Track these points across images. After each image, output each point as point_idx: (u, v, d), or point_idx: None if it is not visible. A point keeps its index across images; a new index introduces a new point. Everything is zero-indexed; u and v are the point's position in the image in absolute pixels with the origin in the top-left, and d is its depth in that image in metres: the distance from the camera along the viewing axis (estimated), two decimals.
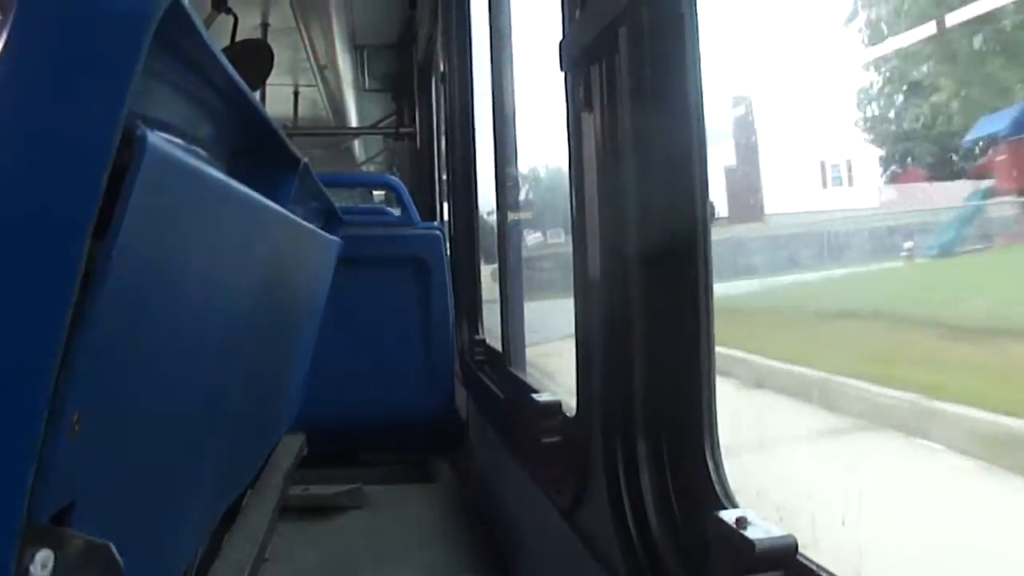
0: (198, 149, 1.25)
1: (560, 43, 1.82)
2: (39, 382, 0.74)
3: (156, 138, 0.81)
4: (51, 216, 0.73)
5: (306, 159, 1.81)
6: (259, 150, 1.56)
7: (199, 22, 0.91)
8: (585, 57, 1.69)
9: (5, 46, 0.74)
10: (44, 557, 0.80)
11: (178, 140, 1.06)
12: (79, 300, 0.75)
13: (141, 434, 1.08)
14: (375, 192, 9.96)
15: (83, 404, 0.79)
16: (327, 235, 2.59)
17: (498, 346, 3.52)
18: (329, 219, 2.76)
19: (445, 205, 5.62)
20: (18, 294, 0.73)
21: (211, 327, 1.34)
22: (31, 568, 0.78)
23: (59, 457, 0.77)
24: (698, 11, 1.48)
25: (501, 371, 3.36)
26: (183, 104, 1.15)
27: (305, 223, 2.03)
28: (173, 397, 1.21)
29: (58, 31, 0.75)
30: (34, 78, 0.74)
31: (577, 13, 1.74)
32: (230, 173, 1.18)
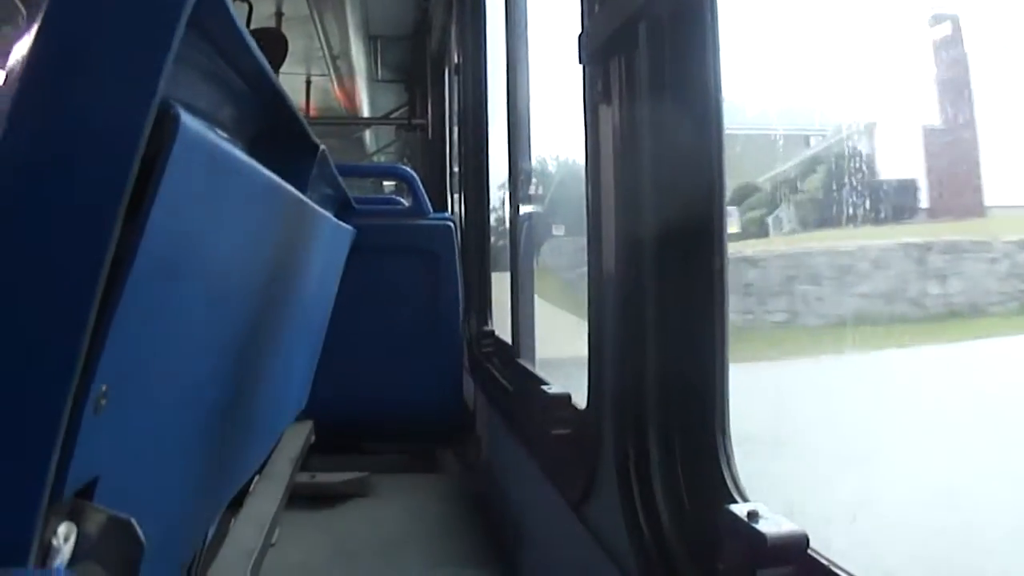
0: (221, 131, 1.26)
1: (579, 37, 1.82)
2: (69, 358, 0.74)
3: (190, 120, 0.82)
4: (86, 195, 0.74)
5: (324, 146, 1.82)
6: (279, 135, 1.56)
7: (232, 8, 0.92)
8: (604, 51, 1.69)
9: (42, 29, 0.75)
10: (67, 530, 0.80)
11: (203, 123, 1.07)
12: (110, 278, 0.76)
13: (161, 413, 1.08)
14: (386, 183, 9.96)
15: (110, 381, 0.80)
16: (342, 224, 2.59)
17: (507, 337, 3.53)
18: (343, 208, 2.77)
19: (456, 196, 5.62)
20: (51, 272, 0.74)
21: (229, 310, 1.35)
22: (54, 541, 0.79)
23: (85, 433, 0.78)
24: (718, 4, 1.49)
25: (510, 362, 3.36)
26: (209, 87, 1.15)
27: (322, 210, 2.04)
28: (191, 377, 1.22)
29: (95, 14, 0.75)
30: (70, 61, 0.75)
31: (596, 7, 1.74)
32: (250, 156, 1.19)
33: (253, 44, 1.09)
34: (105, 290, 0.76)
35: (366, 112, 8.18)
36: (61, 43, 0.76)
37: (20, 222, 0.75)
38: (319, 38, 6.49)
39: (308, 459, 3.46)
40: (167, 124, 0.78)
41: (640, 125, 1.58)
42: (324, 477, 3.66)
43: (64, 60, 0.75)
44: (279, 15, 6.35)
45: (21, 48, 0.76)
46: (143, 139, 0.75)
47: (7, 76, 0.79)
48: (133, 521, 0.85)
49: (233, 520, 2.43)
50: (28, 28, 0.77)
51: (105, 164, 0.74)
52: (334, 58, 6.93)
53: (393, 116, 7.82)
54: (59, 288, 0.74)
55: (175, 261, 0.94)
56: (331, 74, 7.52)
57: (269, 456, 2.89)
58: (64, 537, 0.80)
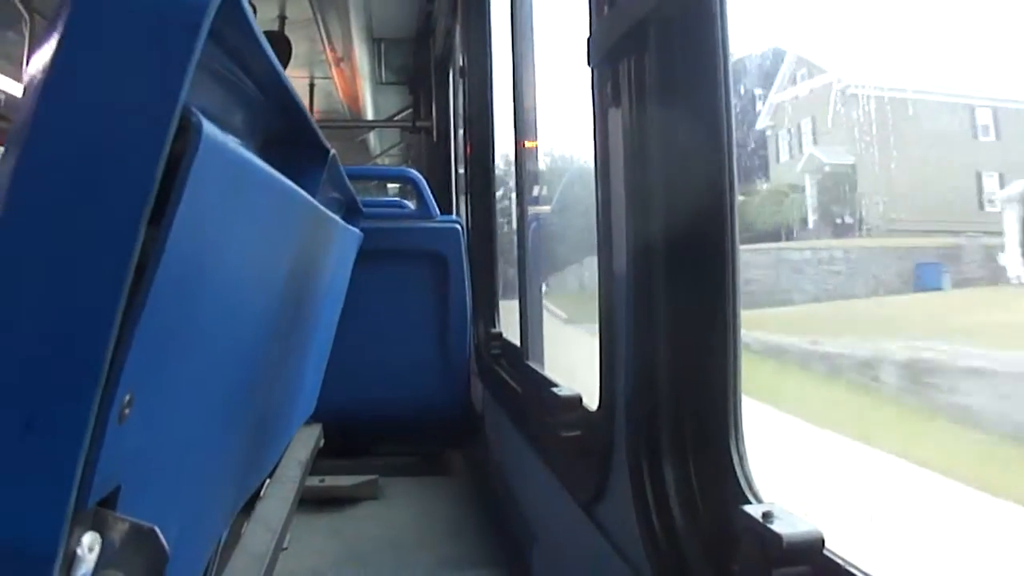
0: (233, 136, 1.26)
1: (588, 39, 1.83)
2: (94, 367, 0.75)
3: (211, 128, 0.82)
4: (109, 203, 0.75)
5: (333, 150, 1.82)
6: (290, 139, 1.57)
7: (251, 14, 0.92)
8: (613, 54, 1.69)
9: (64, 37, 0.75)
10: (91, 540, 0.81)
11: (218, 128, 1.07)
12: (134, 285, 0.77)
13: (181, 420, 1.09)
14: (390, 185, 9.99)
15: (134, 389, 0.80)
16: (351, 227, 2.60)
17: (515, 340, 3.53)
18: (350, 211, 2.77)
19: (461, 199, 5.64)
20: (76, 279, 0.75)
21: (245, 315, 1.36)
22: (78, 551, 0.79)
23: (109, 441, 0.78)
24: (727, 8, 1.49)
25: (518, 365, 3.36)
26: (221, 91, 1.16)
27: (331, 214, 2.05)
28: (211, 383, 1.22)
29: (116, 22, 0.76)
30: (93, 69, 0.75)
31: (605, 9, 1.74)
32: (263, 160, 1.19)
33: (268, 49, 1.09)
34: (129, 297, 0.76)
35: (370, 115, 8.19)
36: (82, 51, 0.76)
37: (44, 231, 0.75)
38: (322, 41, 6.51)
39: (317, 463, 3.47)
40: (189, 132, 0.79)
41: (650, 127, 1.59)
42: (333, 480, 3.67)
43: (85, 68, 0.76)
44: (282, 18, 6.37)
45: (42, 56, 0.77)
46: (166, 147, 0.75)
47: (27, 84, 0.79)
48: (157, 529, 0.86)
49: (245, 524, 2.43)
50: (48, 36, 0.77)
51: (128, 172, 0.75)
52: (338, 61, 6.94)
53: (397, 118, 7.83)
54: (83, 296, 0.75)
55: (197, 268, 0.94)
56: (334, 77, 7.53)
57: (279, 460, 2.89)
58: (88, 547, 0.80)
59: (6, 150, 0.77)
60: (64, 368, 0.75)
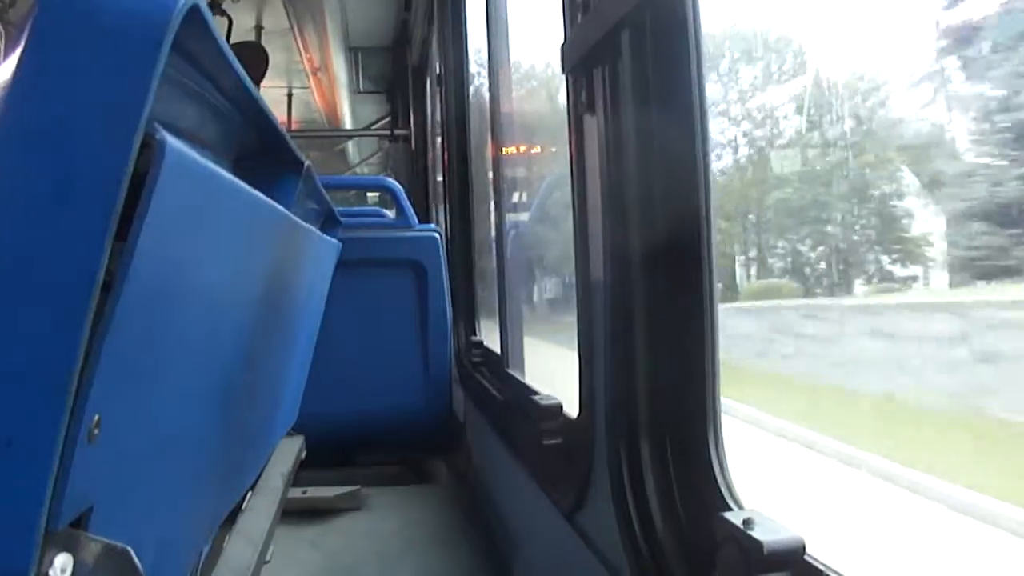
0: (205, 150, 1.26)
1: (562, 46, 1.83)
2: (61, 387, 0.74)
3: (175, 143, 0.81)
4: (74, 220, 0.74)
5: (309, 161, 1.82)
6: (264, 152, 1.56)
7: (215, 27, 0.92)
8: (588, 60, 1.69)
9: (26, 53, 0.74)
10: (63, 561, 0.80)
11: (187, 143, 1.07)
12: (100, 305, 0.76)
13: (154, 438, 1.08)
14: (369, 194, 9.96)
15: (103, 409, 0.80)
16: (328, 238, 2.59)
17: (495, 347, 3.53)
18: (328, 221, 2.77)
19: (440, 207, 5.63)
20: (41, 298, 0.74)
21: (219, 330, 1.35)
22: (50, 573, 0.78)
23: (79, 462, 0.77)
24: (700, 14, 1.49)
25: (499, 372, 3.36)
26: (192, 106, 1.15)
27: (308, 226, 2.04)
28: (183, 400, 1.22)
29: (80, 37, 0.75)
30: (56, 84, 0.75)
31: (579, 17, 1.74)
32: (235, 174, 1.19)
33: (236, 63, 1.09)
34: (95, 317, 0.76)
35: (348, 124, 8.16)
36: (44, 67, 0.75)
37: (6, 248, 0.74)
38: (299, 50, 6.49)
39: (300, 474, 3.45)
40: (153, 147, 0.78)
41: (625, 134, 1.59)
42: (316, 492, 3.65)
43: (47, 84, 0.75)
44: (259, 28, 6.35)
45: (4, 71, 0.76)
46: (130, 163, 0.75)
47: None
48: (130, 550, 0.85)
49: (227, 538, 2.41)
50: (10, 51, 0.76)
51: (92, 188, 0.74)
52: (315, 70, 6.93)
53: (375, 127, 7.81)
54: (47, 315, 0.74)
55: (164, 285, 0.94)
56: (312, 87, 7.52)
57: (261, 472, 2.88)
58: (61, 568, 0.79)
59: None
60: (30, 389, 0.74)
